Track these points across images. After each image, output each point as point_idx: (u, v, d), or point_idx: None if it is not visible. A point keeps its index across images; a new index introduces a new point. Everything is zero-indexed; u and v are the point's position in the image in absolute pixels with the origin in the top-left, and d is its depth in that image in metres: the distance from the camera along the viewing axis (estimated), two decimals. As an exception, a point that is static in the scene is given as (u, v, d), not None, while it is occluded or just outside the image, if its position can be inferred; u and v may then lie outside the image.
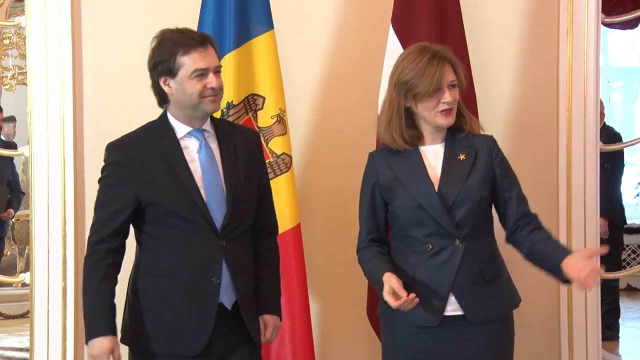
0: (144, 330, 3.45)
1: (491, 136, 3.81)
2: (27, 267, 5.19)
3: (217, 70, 3.54)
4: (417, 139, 3.70)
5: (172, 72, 3.45)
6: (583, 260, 3.32)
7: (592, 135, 5.15)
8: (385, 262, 3.65)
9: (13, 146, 5.93)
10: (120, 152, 3.52)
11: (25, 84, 5.12)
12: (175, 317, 3.46)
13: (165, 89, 3.50)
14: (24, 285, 5.36)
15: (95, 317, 3.37)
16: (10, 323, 6.45)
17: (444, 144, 3.71)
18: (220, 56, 4.06)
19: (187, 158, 3.50)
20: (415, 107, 3.60)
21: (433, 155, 3.71)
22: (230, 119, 4.66)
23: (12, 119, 6.25)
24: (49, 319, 5.08)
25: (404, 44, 4.46)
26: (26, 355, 5.20)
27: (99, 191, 3.52)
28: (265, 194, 3.84)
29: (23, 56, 5.12)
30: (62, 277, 5.09)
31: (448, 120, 3.59)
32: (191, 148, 3.54)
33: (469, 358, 3.64)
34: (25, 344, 5.18)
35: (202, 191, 3.47)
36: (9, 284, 5.71)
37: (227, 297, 3.51)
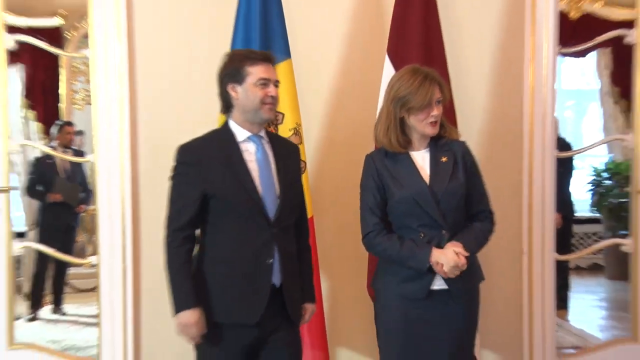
0: (210, 304, 3.47)
1: (464, 142, 3.88)
2: (94, 251, 5.13)
3: (276, 84, 3.59)
4: (407, 143, 3.74)
5: (239, 80, 3.50)
6: (446, 252, 3.57)
7: (549, 144, 5.15)
8: (416, 242, 3.66)
9: (82, 154, 5.88)
10: (189, 153, 3.53)
11: (90, 104, 5.07)
12: (236, 293, 3.49)
13: (232, 94, 3.53)
14: (92, 265, 5.33)
15: (182, 294, 3.43)
16: (82, 295, 6.42)
17: (428, 149, 3.78)
18: None
19: (247, 159, 3.53)
20: (407, 118, 3.67)
21: (421, 158, 3.77)
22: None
23: (81, 132, 6.23)
24: (112, 292, 5.12)
25: (397, 68, 4.44)
26: (95, 320, 5.15)
27: (172, 187, 3.55)
28: (302, 201, 3.91)
29: (88, 81, 5.06)
30: (121, 259, 5.12)
31: (434, 130, 3.69)
32: (250, 150, 3.57)
33: (449, 322, 3.69)
34: (95, 311, 5.13)
35: (258, 187, 3.48)
36: (80, 265, 5.68)
37: (276, 277, 3.54)
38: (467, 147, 3.85)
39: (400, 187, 3.68)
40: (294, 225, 3.73)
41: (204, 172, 3.46)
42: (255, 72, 3.50)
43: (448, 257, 3.52)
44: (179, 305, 3.41)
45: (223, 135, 3.60)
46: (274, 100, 3.56)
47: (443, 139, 3.79)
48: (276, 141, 3.74)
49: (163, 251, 3.48)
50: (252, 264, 3.49)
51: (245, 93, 3.51)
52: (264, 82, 3.51)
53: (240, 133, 3.57)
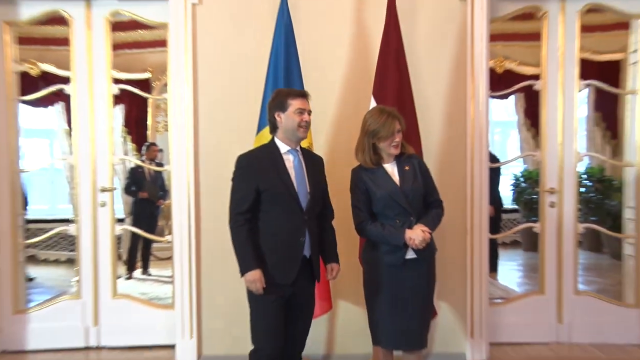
0: (263, 269, 3.56)
1: (417, 155, 4.03)
2: (169, 232, 5.09)
3: (309, 112, 3.74)
4: (379, 159, 3.86)
5: (283, 109, 3.65)
6: (415, 231, 3.68)
7: (484, 158, 5.08)
8: (394, 226, 3.75)
9: (162, 165, 5.95)
10: (246, 160, 3.66)
11: (167, 131, 5.07)
12: (278, 261, 3.59)
13: (278, 119, 3.67)
14: (168, 242, 5.39)
15: (248, 259, 3.52)
16: (161, 262, 6.45)
17: (394, 162, 3.89)
18: None
19: (287, 165, 3.66)
20: (378, 144, 3.82)
21: (391, 168, 3.88)
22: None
23: (161, 150, 6.30)
24: (182, 259, 5.11)
25: (382, 104, 4.39)
26: (170, 279, 5.25)
27: (234, 183, 3.64)
28: (327, 194, 3.97)
29: (166, 115, 5.13)
30: (188, 238, 5.13)
31: (397, 151, 3.85)
32: (289, 159, 3.69)
33: (418, 280, 3.80)
34: (170, 273, 5.16)
35: (295, 186, 3.62)
36: (160, 241, 5.66)
37: (306, 250, 3.67)
38: (420, 158, 4.02)
39: (379, 188, 3.79)
40: (319, 214, 3.82)
41: (257, 173, 3.57)
42: (295, 103, 3.65)
43: (418, 234, 3.65)
44: (245, 267, 3.51)
45: (271, 148, 3.71)
46: (307, 124, 3.71)
47: (404, 154, 3.90)
48: (307, 154, 3.86)
49: (229, 229, 3.57)
50: (289, 241, 3.60)
51: (287, 119, 3.65)
52: (301, 111, 3.66)
53: (283, 147, 3.69)
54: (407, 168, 3.85)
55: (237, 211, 3.55)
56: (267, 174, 3.59)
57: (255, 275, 3.48)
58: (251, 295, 3.60)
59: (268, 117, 3.74)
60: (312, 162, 3.82)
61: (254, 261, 3.50)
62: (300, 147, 3.84)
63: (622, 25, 5.54)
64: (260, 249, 3.58)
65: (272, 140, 3.74)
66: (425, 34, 5.05)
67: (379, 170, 3.85)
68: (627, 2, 5.36)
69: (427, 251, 3.79)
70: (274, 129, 3.73)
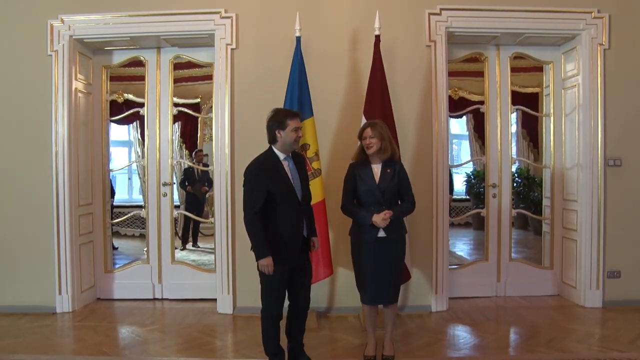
0: (272, 252, 3.37)
1: (400, 162, 3.88)
2: (213, 215, 5.02)
3: (301, 130, 3.55)
4: (367, 159, 3.77)
5: (282, 127, 3.43)
6: (379, 215, 3.59)
7: (445, 161, 4.98)
8: (367, 210, 3.68)
9: (207, 166, 5.95)
10: (256, 168, 3.42)
11: (212, 140, 4.99)
12: (287, 243, 3.43)
13: (277, 135, 3.45)
14: (212, 223, 5.31)
15: (262, 247, 3.34)
16: (207, 238, 6.44)
17: (381, 164, 3.74)
18: None
19: (286, 170, 3.47)
20: (363, 144, 3.77)
21: (377, 169, 3.75)
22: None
23: (207, 155, 6.26)
24: (221, 236, 5.03)
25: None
26: (213, 250, 5.21)
27: (247, 188, 3.41)
28: (309, 186, 3.72)
29: (211, 129, 5.05)
30: (226, 220, 5.02)
31: (370, 151, 3.72)
32: (287, 164, 3.49)
33: (389, 254, 3.70)
34: (212, 246, 5.21)
35: (293, 185, 3.46)
36: (206, 222, 5.71)
37: (305, 231, 3.55)
38: (401, 164, 3.85)
39: (363, 184, 3.72)
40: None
41: (266, 178, 3.37)
42: (292, 123, 3.45)
43: (379, 217, 3.58)
44: (260, 254, 3.35)
45: (272, 157, 3.48)
46: (300, 139, 3.55)
47: (392, 161, 3.76)
48: (295, 156, 3.62)
49: (245, 224, 3.37)
50: (293, 227, 3.45)
51: (285, 135, 3.44)
52: (296, 129, 3.46)
53: (281, 155, 3.49)
54: (389, 170, 3.71)
55: (253, 210, 3.32)
56: (274, 178, 3.38)
57: (268, 260, 3.32)
58: (262, 273, 3.42)
59: (268, 131, 3.49)
60: (299, 162, 3.61)
61: (266, 249, 3.32)
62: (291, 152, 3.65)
63: (539, 68, 5.69)
64: (272, 238, 3.37)
65: (271, 149, 3.50)
66: (402, 70, 4.95)
67: (367, 168, 3.74)
68: (541, 52, 5.49)
69: (397, 232, 3.72)
70: (273, 141, 3.47)
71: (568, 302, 5.24)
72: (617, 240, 5.08)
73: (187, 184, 6.49)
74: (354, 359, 3.84)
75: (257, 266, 3.39)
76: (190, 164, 6.51)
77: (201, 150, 6.64)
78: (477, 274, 5.41)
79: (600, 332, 4.41)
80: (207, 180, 6.44)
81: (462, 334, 4.43)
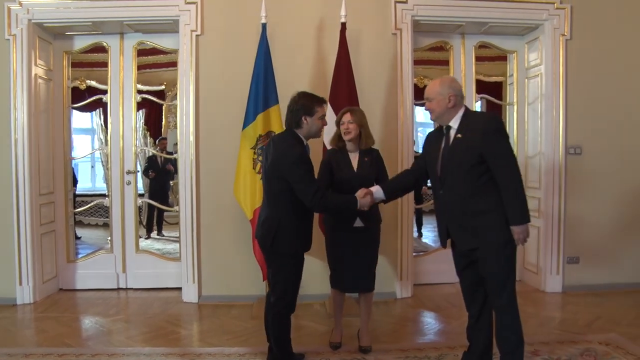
0: (285, 240, 3.20)
1: (377, 150, 3.83)
2: (177, 204, 5.04)
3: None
4: (344, 146, 3.76)
5: (311, 113, 3.22)
6: (363, 192, 3.35)
7: (410, 148, 5.05)
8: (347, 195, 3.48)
9: (171, 154, 5.99)
10: (306, 156, 3.17)
11: (177, 128, 4.97)
12: (309, 230, 3.34)
13: (303, 121, 3.22)
14: (176, 211, 5.21)
15: (347, 203, 3.30)
16: (171, 226, 6.43)
17: (358, 152, 3.74)
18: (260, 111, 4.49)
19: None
20: (340, 130, 3.75)
21: (354, 157, 3.75)
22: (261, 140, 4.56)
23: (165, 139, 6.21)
24: (186, 224, 4.99)
25: (334, 110, 4.35)
26: (177, 239, 5.15)
27: (309, 173, 3.18)
28: None
29: (176, 116, 5.07)
30: (190, 209, 4.99)
31: (347, 137, 3.70)
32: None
33: (365, 242, 3.68)
34: (177, 235, 5.10)
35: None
36: (170, 210, 5.74)
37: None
38: (378, 152, 3.83)
39: (340, 171, 3.69)
40: None
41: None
42: (320, 110, 3.27)
43: (361, 196, 3.38)
44: (351, 206, 3.31)
45: (302, 143, 3.23)
46: (323, 128, 3.41)
47: (369, 149, 3.76)
48: None
49: (315, 206, 3.17)
50: (307, 217, 3.31)
51: (312, 122, 3.24)
52: (323, 116, 3.31)
53: (304, 141, 3.27)
54: (366, 159, 3.71)
55: (317, 190, 3.13)
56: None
57: (366, 191, 3.30)
58: (289, 260, 3.25)
59: (293, 116, 3.26)
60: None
61: (351, 198, 3.27)
62: None
63: (503, 57, 5.78)
64: (304, 226, 3.28)
65: (299, 135, 3.26)
66: (368, 58, 4.99)
67: (344, 157, 3.72)
68: (505, 42, 5.58)
69: (373, 222, 3.71)
70: (297, 125, 3.25)
71: (529, 287, 5.41)
72: (576, 228, 5.26)
73: (150, 171, 6.42)
74: (319, 345, 3.87)
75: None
76: (154, 151, 6.46)
77: (164, 138, 6.59)
78: (442, 261, 5.44)
79: (560, 315, 4.57)
80: (173, 166, 6.28)
81: (426, 320, 4.53)
